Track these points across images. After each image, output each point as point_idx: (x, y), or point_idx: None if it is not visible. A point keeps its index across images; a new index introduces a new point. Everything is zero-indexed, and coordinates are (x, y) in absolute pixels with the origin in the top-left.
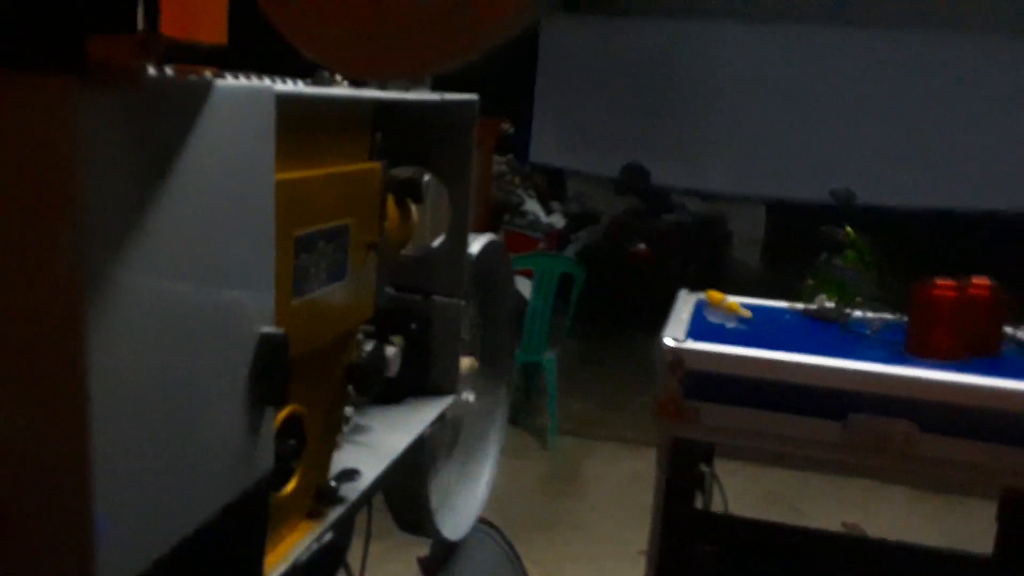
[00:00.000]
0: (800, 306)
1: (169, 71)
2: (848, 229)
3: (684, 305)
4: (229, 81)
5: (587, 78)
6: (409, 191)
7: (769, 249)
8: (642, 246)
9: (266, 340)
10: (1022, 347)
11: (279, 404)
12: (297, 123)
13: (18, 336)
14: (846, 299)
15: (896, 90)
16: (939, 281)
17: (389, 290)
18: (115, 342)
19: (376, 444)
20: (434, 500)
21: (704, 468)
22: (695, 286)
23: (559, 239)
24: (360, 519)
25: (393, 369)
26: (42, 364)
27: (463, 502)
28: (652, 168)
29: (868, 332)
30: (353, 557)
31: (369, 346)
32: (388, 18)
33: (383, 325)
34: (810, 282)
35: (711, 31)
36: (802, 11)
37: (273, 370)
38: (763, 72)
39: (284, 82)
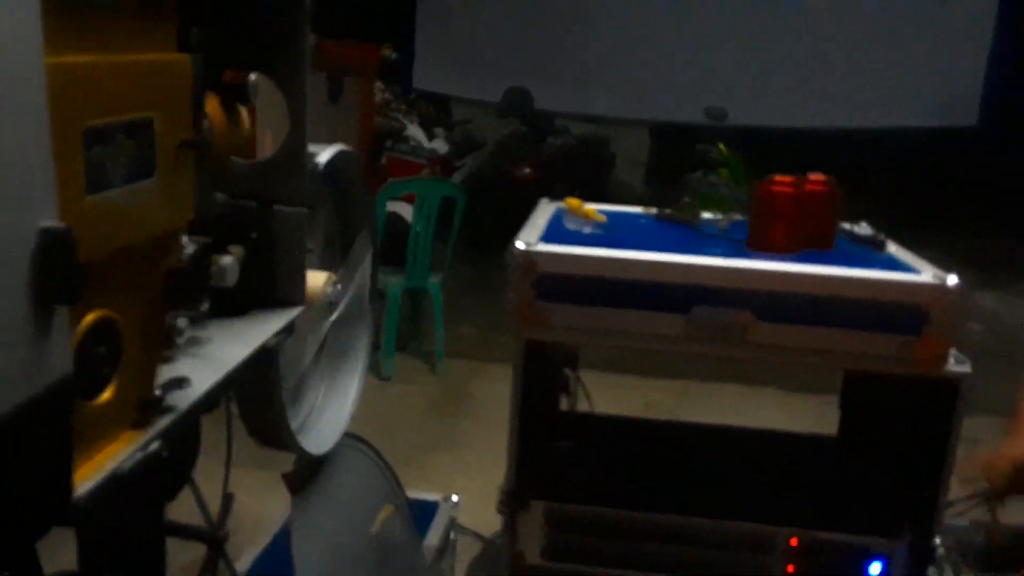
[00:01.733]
0: (654, 210)
1: None
2: (721, 147)
3: (542, 213)
4: None
5: (467, 2)
6: (235, 92)
7: (653, 170)
8: (527, 170)
9: (48, 234)
10: (854, 239)
11: (71, 302)
12: (80, 5)
13: None
14: (723, 213)
15: (770, 12)
16: (777, 178)
17: (221, 196)
18: None
19: (213, 356)
20: (299, 416)
21: (568, 372)
22: None
23: (444, 165)
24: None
25: (230, 279)
26: None
27: (329, 417)
28: (536, 92)
29: (716, 231)
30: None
31: (192, 248)
32: None
33: (219, 234)
34: (685, 199)
35: None
36: None
37: (59, 266)
38: None
39: None
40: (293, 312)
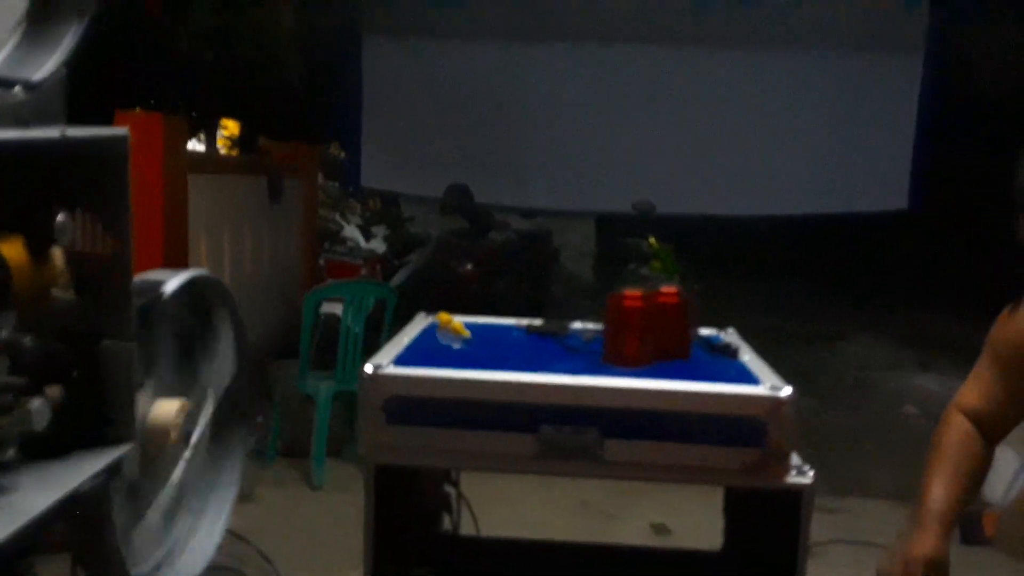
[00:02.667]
0: (525, 322)
1: None
2: (651, 240)
3: (413, 328)
4: None
5: (411, 101)
6: (41, 235)
7: (600, 260)
8: (469, 266)
9: None
10: (710, 348)
11: None
12: None
13: None
14: None
15: (694, 105)
16: (627, 292)
17: (30, 339)
18: None
19: (16, 506)
20: (159, 551)
21: (449, 489)
22: (524, 303)
23: (385, 265)
24: None
25: (38, 423)
26: None
27: (196, 547)
28: (476, 188)
29: (582, 342)
30: None
31: None
32: None
33: (35, 375)
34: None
35: (527, 52)
36: (609, 32)
37: None
38: (575, 90)
39: None
40: (119, 450)
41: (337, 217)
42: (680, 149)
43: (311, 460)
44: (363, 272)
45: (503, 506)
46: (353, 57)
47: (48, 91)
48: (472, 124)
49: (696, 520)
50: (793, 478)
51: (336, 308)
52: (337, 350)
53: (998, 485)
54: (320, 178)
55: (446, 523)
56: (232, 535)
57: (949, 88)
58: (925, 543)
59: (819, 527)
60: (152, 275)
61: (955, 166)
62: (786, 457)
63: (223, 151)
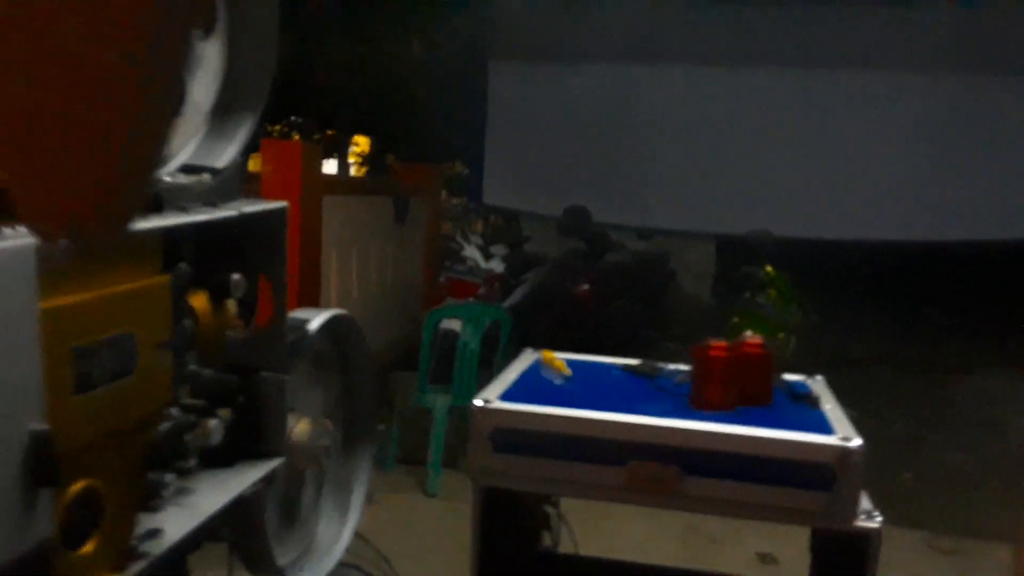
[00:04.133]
0: (622, 362)
1: None
2: (768, 268)
3: (519, 364)
4: None
5: (534, 121)
6: (220, 290)
7: (720, 282)
8: (585, 286)
9: (34, 436)
10: (792, 396)
11: (53, 486)
12: (66, 262)
13: None
14: (769, 333)
15: (818, 126)
16: (713, 343)
17: (208, 372)
18: None
19: (195, 505)
20: (296, 549)
21: (549, 509)
22: (640, 325)
23: (503, 284)
24: None
25: (215, 439)
26: None
27: (325, 546)
28: (594, 207)
29: (673, 384)
30: None
31: (168, 425)
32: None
33: (211, 399)
34: (735, 320)
35: (647, 75)
36: (728, 54)
37: (42, 460)
38: (693, 112)
39: None
40: (272, 463)
41: (458, 237)
42: (800, 171)
43: (427, 468)
44: (481, 290)
45: (607, 526)
46: (478, 80)
47: (229, 175)
48: (591, 144)
49: (802, 550)
50: (861, 522)
51: (455, 324)
52: (454, 365)
53: None
54: (443, 195)
55: (546, 541)
56: (355, 535)
57: None
58: None
59: (933, 566)
60: (299, 314)
61: None
62: (855, 502)
63: (353, 166)
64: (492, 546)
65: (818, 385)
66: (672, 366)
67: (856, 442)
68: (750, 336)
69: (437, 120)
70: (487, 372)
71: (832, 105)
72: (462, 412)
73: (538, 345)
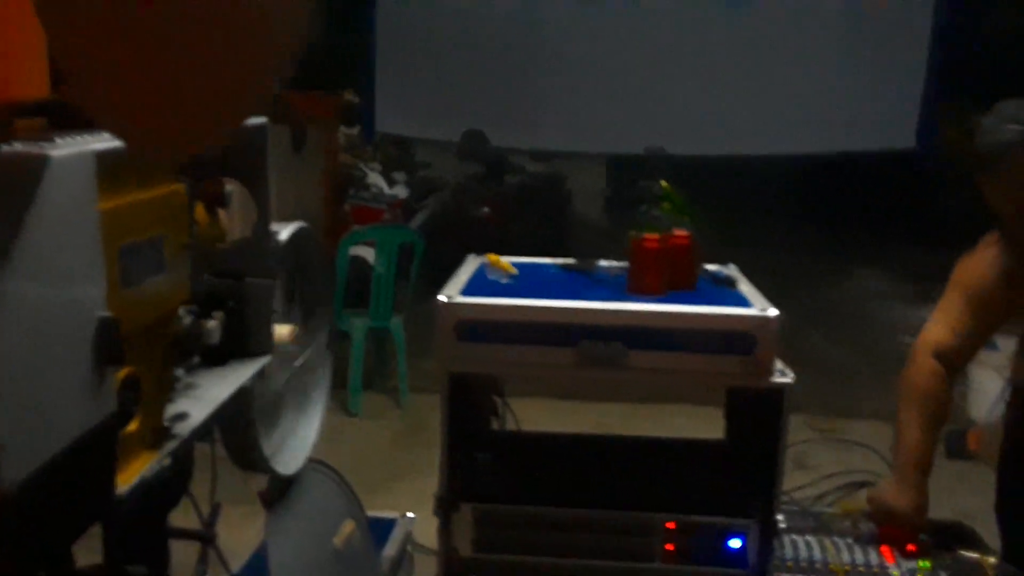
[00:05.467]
0: (561, 261)
1: (12, 148)
2: (663, 183)
3: (467, 267)
4: (57, 148)
5: (426, 46)
6: (215, 200)
7: (612, 201)
8: (486, 210)
9: (102, 321)
10: (713, 280)
11: (117, 364)
12: (115, 165)
13: None
14: None
15: (703, 46)
16: (647, 236)
17: (207, 277)
18: (3, 328)
19: (204, 396)
20: (270, 443)
21: (495, 398)
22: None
23: (405, 209)
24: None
25: (215, 338)
26: None
27: (296, 444)
28: (491, 132)
29: (608, 277)
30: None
31: (189, 321)
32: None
33: (205, 304)
34: (632, 232)
35: None
36: None
37: (108, 340)
38: (586, 33)
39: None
40: (263, 360)
41: (361, 165)
42: (690, 90)
43: (347, 391)
44: (386, 217)
45: (532, 425)
46: (367, 3)
47: None
48: (485, 68)
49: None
50: (776, 379)
51: (362, 251)
52: (364, 289)
53: (982, 405)
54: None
55: (493, 424)
56: None
57: (960, 28)
58: (907, 496)
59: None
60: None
61: (965, 105)
62: (771, 363)
63: None
64: (456, 426)
65: (733, 271)
66: (606, 262)
67: (772, 312)
68: (676, 228)
69: (324, 46)
70: (399, 293)
71: (721, 26)
72: (378, 334)
73: (443, 266)
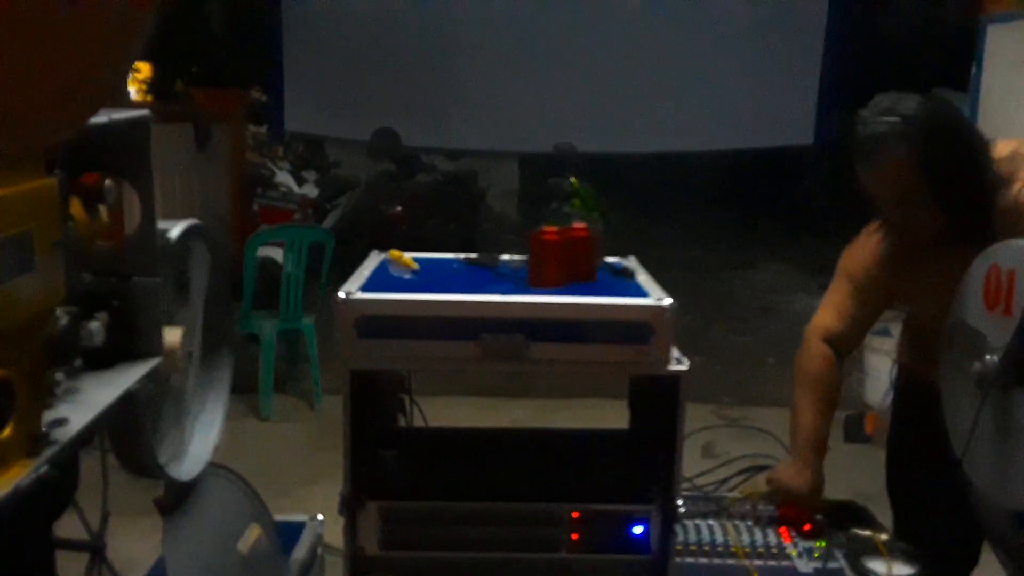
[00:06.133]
0: (463, 256)
1: None
2: (573, 180)
3: (370, 263)
4: None
5: (334, 43)
6: (93, 195)
7: (524, 199)
8: (398, 208)
9: None
10: (612, 272)
11: None
12: None
13: None
14: None
15: (610, 45)
16: (546, 229)
17: (87, 276)
18: None
19: (86, 400)
20: (165, 449)
21: (403, 396)
22: (453, 242)
23: (316, 208)
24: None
25: (98, 340)
26: None
27: (194, 449)
28: (402, 130)
29: (510, 270)
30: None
31: (65, 322)
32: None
33: (87, 304)
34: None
35: None
36: None
37: None
38: (496, 32)
39: None
40: (152, 362)
41: (269, 164)
42: (598, 89)
43: (259, 394)
44: (296, 216)
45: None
46: None
47: None
48: (395, 66)
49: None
50: (674, 366)
51: (271, 251)
52: (272, 291)
53: (877, 390)
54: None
55: (401, 422)
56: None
57: (854, 25)
58: (803, 476)
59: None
60: (161, 224)
61: (857, 101)
62: (668, 351)
63: (136, 96)
64: (360, 425)
65: (632, 262)
66: (507, 256)
67: (667, 301)
68: (579, 223)
69: (228, 43)
70: (309, 293)
71: (627, 22)
72: (289, 336)
73: (356, 265)
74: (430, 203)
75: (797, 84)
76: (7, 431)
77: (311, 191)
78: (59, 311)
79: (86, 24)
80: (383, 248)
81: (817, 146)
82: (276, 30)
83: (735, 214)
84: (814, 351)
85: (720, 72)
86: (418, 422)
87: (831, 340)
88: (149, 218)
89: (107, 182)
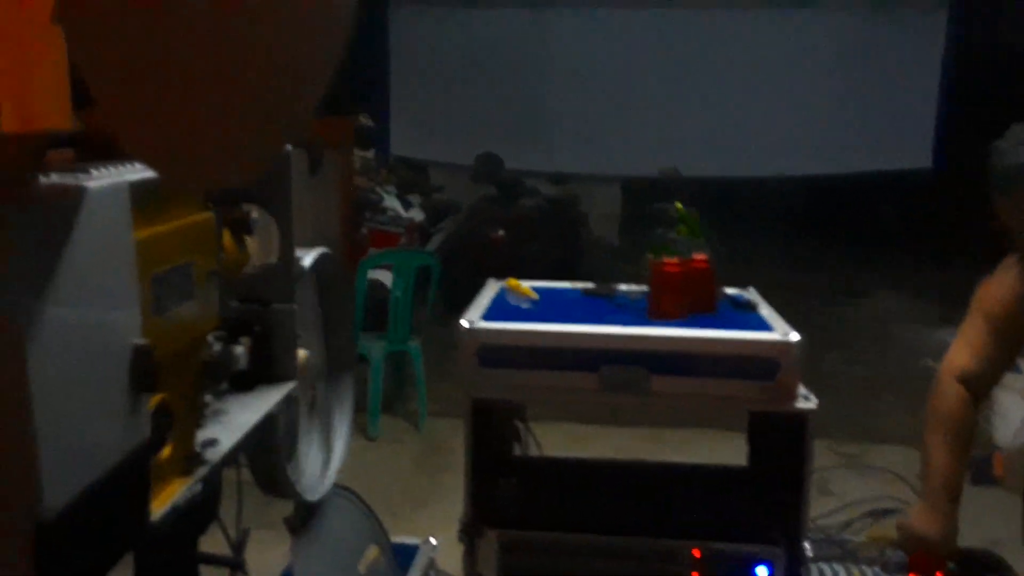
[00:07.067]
0: (581, 286)
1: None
2: (678, 205)
3: (488, 292)
4: (93, 179)
5: (439, 69)
6: (241, 227)
7: (626, 223)
8: (500, 232)
9: (137, 348)
10: (733, 304)
11: (150, 391)
12: (147, 195)
13: None
14: None
15: (717, 67)
16: (667, 260)
17: (234, 303)
18: (44, 356)
19: (232, 422)
20: (295, 469)
21: (518, 424)
22: (554, 267)
23: (421, 232)
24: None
25: (242, 363)
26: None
27: (320, 471)
28: (505, 154)
29: (629, 301)
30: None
31: (218, 347)
32: (206, 137)
33: (232, 329)
34: (649, 255)
35: (551, 18)
36: None
37: (144, 368)
38: (599, 56)
39: (134, 167)
40: (288, 386)
41: (377, 188)
42: (705, 112)
43: (367, 415)
44: (403, 240)
45: (554, 450)
46: (380, 27)
47: None
48: (499, 91)
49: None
50: (800, 404)
51: (378, 274)
52: (381, 313)
53: (1007, 429)
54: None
55: (517, 450)
56: None
57: (972, 46)
58: (936, 523)
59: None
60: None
61: (979, 124)
62: (795, 387)
63: None
64: (479, 452)
65: (752, 294)
66: (624, 286)
67: (794, 336)
68: (696, 252)
69: (339, 70)
70: (416, 316)
71: (733, 46)
72: (396, 358)
73: (458, 288)
74: (532, 227)
75: (914, 105)
76: (166, 451)
77: (417, 215)
78: (211, 337)
79: (285, 74)
80: (485, 271)
81: (936, 169)
82: (384, 57)
83: (846, 239)
84: (949, 392)
85: (830, 94)
86: (532, 450)
87: (966, 380)
88: (288, 247)
89: (254, 214)
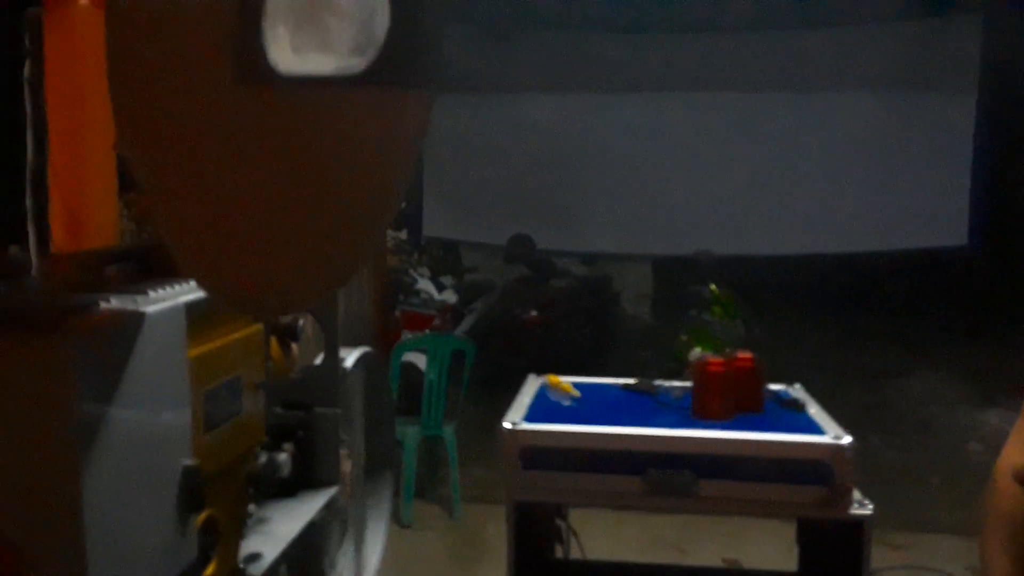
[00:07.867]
0: (622, 382)
1: (110, 305)
2: (712, 287)
3: (528, 389)
4: (151, 303)
5: (470, 151)
6: (288, 334)
7: (658, 302)
8: (533, 313)
9: (186, 469)
10: (780, 402)
11: (198, 511)
12: (202, 313)
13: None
14: (716, 348)
15: (749, 147)
16: (711, 359)
17: (278, 410)
18: (97, 482)
19: (274, 532)
20: (335, 571)
21: (559, 522)
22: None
23: (454, 313)
24: None
25: (286, 471)
26: (46, 503)
27: (354, 568)
28: (536, 235)
29: (672, 399)
30: None
31: (264, 457)
32: (279, 268)
33: (276, 436)
34: (683, 337)
35: (580, 102)
36: (660, 80)
37: (191, 488)
38: (628, 138)
39: (188, 286)
40: (331, 491)
41: (410, 270)
42: (736, 191)
43: (399, 500)
44: (436, 322)
45: (592, 538)
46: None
47: None
48: (529, 173)
49: (764, 555)
50: (856, 510)
51: (412, 357)
52: (415, 397)
53: None
54: None
55: (558, 552)
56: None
57: (1004, 126)
58: None
59: (884, 559)
60: None
61: (1013, 202)
62: (849, 492)
63: None
64: (520, 555)
65: (799, 392)
66: (667, 383)
67: (847, 439)
68: (741, 352)
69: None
70: (450, 401)
71: (765, 127)
72: (429, 443)
73: (491, 369)
74: (565, 307)
75: (947, 183)
76: (211, 568)
77: (450, 297)
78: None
79: (362, 202)
80: (519, 352)
81: (972, 246)
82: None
83: (882, 318)
84: (1006, 492)
85: (864, 173)
86: (574, 551)
87: None
88: (332, 351)
89: (300, 321)
